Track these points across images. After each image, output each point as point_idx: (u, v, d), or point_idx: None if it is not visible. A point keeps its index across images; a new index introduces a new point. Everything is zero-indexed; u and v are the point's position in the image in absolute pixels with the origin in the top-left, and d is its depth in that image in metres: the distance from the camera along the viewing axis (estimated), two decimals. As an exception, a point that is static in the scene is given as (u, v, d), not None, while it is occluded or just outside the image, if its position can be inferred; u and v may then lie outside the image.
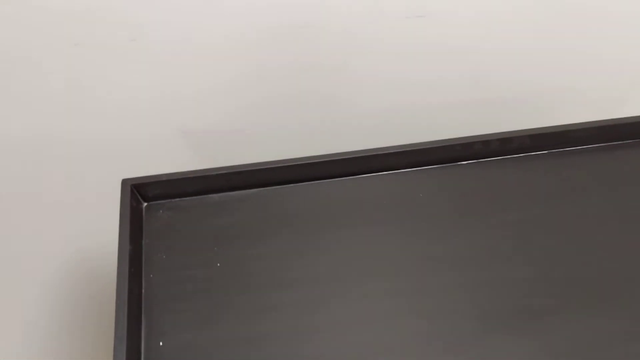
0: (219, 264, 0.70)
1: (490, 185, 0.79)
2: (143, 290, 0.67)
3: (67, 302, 1.16)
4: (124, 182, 0.75)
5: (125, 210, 0.72)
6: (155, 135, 0.92)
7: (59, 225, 1.04)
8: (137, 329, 0.64)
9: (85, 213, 1.01)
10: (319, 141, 0.97)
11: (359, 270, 0.69)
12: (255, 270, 0.69)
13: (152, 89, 0.87)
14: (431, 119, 0.99)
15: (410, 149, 0.80)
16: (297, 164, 0.77)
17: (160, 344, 0.63)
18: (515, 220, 0.74)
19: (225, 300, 0.66)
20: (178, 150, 0.94)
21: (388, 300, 0.66)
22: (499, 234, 0.73)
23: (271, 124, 0.94)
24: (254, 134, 0.94)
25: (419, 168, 0.81)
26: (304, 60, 0.88)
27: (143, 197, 0.76)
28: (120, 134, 0.91)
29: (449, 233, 0.73)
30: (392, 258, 0.71)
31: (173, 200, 0.77)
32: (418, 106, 0.98)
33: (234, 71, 0.87)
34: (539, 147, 0.83)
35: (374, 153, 0.79)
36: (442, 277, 0.68)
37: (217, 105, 0.91)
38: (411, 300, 0.66)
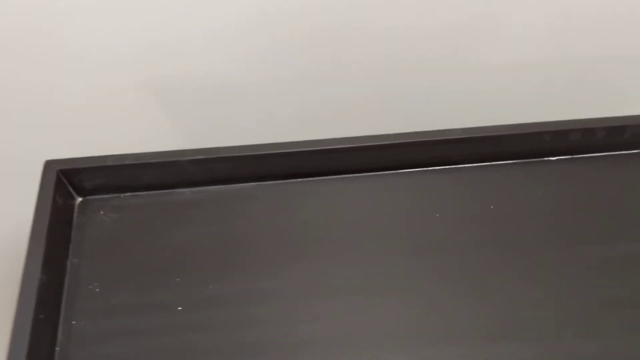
0: (180, 308, 0.45)
1: (592, 195, 0.53)
2: (57, 348, 0.42)
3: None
4: (48, 165, 0.50)
5: (43, 210, 0.47)
6: (104, 92, 0.64)
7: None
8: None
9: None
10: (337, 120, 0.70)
11: (390, 332, 0.45)
12: (240, 320, 0.45)
13: (108, 24, 0.59)
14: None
15: (474, 135, 0.54)
16: (320, 149, 0.52)
17: None
18: (631, 254, 0.49)
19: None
20: (139, 116, 0.66)
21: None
22: (600, 276, 0.48)
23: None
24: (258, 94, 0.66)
25: (487, 164, 0.56)
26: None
27: (77, 189, 0.51)
28: (51, 84, 0.63)
29: (524, 269, 0.48)
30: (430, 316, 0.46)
31: (122, 195, 0.52)
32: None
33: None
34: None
35: (421, 139, 0.54)
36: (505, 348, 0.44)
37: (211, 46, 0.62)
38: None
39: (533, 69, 0.64)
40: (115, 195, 0.52)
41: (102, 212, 0.50)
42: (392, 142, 0.53)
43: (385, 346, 0.43)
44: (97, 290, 0.46)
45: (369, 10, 0.61)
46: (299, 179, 0.54)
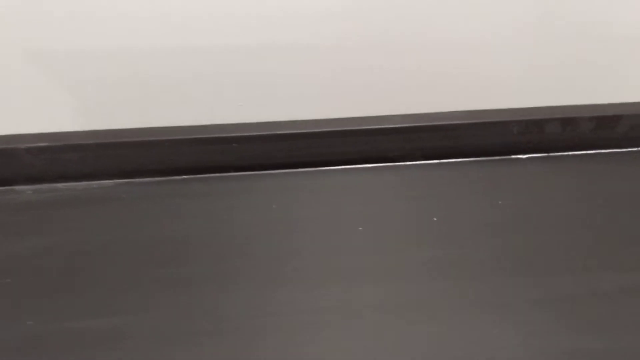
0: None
1: (572, 206, 0.40)
2: None
3: None
4: None
5: None
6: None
7: None
8: None
9: None
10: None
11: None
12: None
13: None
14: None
15: (418, 123, 0.41)
16: (203, 138, 0.40)
17: None
18: (616, 289, 0.36)
19: None
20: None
21: None
22: (572, 317, 0.34)
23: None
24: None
25: (434, 162, 0.43)
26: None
27: None
28: None
29: (466, 302, 0.34)
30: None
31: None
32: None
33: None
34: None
35: (348, 127, 0.41)
36: None
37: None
38: None
39: (509, 47, 0.50)
40: None
41: None
42: (306, 130, 0.40)
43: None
44: None
45: None
46: (178, 177, 0.40)
